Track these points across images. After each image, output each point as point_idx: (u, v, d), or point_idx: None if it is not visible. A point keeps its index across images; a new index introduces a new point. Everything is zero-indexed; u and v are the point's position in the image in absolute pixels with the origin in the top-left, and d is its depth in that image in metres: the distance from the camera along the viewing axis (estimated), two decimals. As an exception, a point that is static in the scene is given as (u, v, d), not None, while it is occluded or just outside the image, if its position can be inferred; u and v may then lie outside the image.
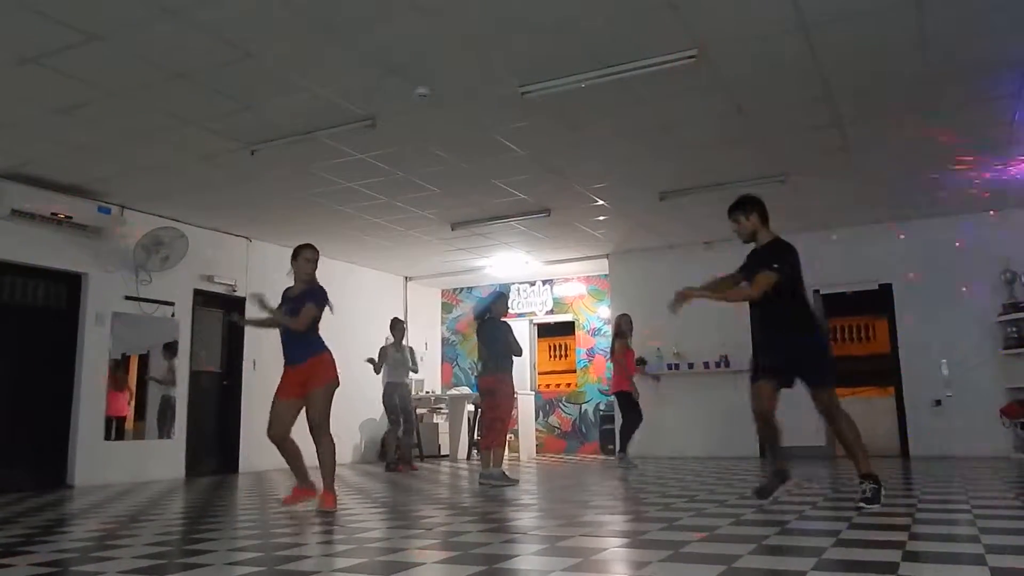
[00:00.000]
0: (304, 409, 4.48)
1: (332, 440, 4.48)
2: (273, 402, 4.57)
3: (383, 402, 8.54)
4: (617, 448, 8.32)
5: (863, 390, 10.64)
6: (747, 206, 4.35)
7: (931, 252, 8.56)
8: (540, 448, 11.25)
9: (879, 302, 9.04)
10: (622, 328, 8.05)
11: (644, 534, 3.31)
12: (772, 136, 6.14)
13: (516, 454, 10.48)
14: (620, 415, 8.22)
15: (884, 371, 9.23)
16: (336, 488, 4.55)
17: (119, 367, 7.57)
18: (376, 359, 8.40)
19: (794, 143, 6.30)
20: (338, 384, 4.56)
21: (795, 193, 7.54)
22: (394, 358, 8.49)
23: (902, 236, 8.70)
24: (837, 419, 4.09)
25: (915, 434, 8.37)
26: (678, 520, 3.69)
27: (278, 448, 4.57)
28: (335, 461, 4.51)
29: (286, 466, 4.61)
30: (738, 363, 9.14)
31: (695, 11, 4.17)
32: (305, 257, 4.61)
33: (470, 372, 12.24)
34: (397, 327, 8.67)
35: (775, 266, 4.10)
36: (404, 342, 8.76)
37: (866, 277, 8.87)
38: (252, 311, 4.78)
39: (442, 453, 10.88)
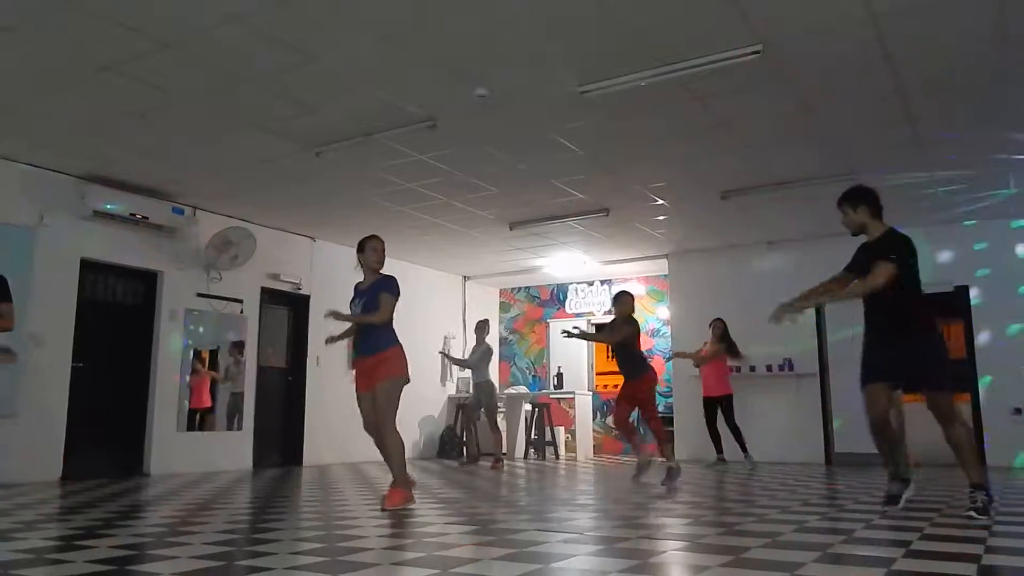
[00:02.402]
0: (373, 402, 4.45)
1: (398, 435, 4.43)
2: (357, 397, 4.58)
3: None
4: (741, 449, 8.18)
5: (936, 396, 10.20)
6: (854, 198, 4.15)
7: (1011, 253, 8.16)
8: (598, 449, 11.19)
9: (954, 305, 8.66)
10: (722, 331, 8.35)
11: (703, 538, 3.26)
12: (840, 132, 5.95)
13: (573, 454, 10.45)
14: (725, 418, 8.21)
15: (959, 377, 8.83)
16: (409, 484, 4.47)
17: (201, 361, 7.91)
18: (453, 358, 9.09)
19: (863, 139, 6.09)
20: (407, 380, 4.53)
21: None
22: (471, 360, 8.94)
23: (980, 236, 8.31)
24: (951, 424, 3.84)
25: (993, 443, 7.98)
26: (739, 525, 3.62)
27: (375, 440, 4.56)
28: (403, 456, 4.44)
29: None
30: (802, 366, 8.90)
31: (760, 5, 4.08)
32: (371, 247, 4.66)
33: (527, 372, 12.27)
34: (478, 328, 9.04)
35: (892, 257, 3.90)
36: (486, 340, 9.01)
37: (940, 279, 8.48)
38: (331, 324, 4.77)
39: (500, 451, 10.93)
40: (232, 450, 8.03)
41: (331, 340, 4.85)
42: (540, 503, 4.83)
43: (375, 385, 4.43)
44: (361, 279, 4.73)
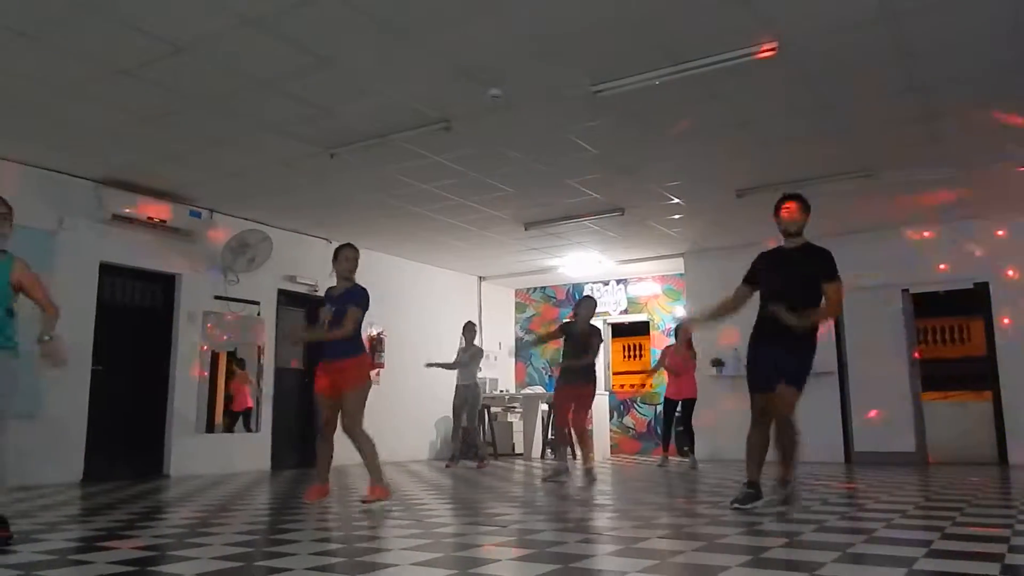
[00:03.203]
0: (339, 410, 4.59)
1: (368, 436, 4.56)
2: (316, 398, 4.74)
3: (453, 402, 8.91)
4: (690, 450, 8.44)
5: (957, 394, 10.09)
6: (806, 202, 4.36)
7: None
8: (615, 449, 11.16)
9: (974, 302, 8.56)
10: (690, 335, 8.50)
11: (723, 538, 3.24)
12: (857, 130, 5.90)
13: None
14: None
15: (980, 374, 8.72)
16: (386, 481, 4.66)
17: (237, 363, 8.02)
18: (439, 363, 8.89)
19: (881, 137, 6.03)
20: (370, 387, 4.66)
21: (882, 189, 7.21)
22: (461, 360, 8.85)
23: (1000, 233, 8.21)
24: (787, 424, 4.22)
25: (1015, 441, 7.86)
26: (758, 524, 3.60)
27: (321, 441, 4.73)
28: (376, 454, 4.58)
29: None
30: (820, 365, 8.75)
31: (775, 2, 4.05)
32: (345, 256, 4.72)
33: (543, 372, 12.27)
34: (466, 329, 8.94)
35: (838, 275, 4.13)
36: (475, 343, 8.94)
37: (960, 276, 8.41)
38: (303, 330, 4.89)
39: (516, 451, 10.94)
40: (250, 452, 8.08)
41: (298, 340, 4.97)
42: (557, 503, 4.83)
43: (342, 392, 4.54)
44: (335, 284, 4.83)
